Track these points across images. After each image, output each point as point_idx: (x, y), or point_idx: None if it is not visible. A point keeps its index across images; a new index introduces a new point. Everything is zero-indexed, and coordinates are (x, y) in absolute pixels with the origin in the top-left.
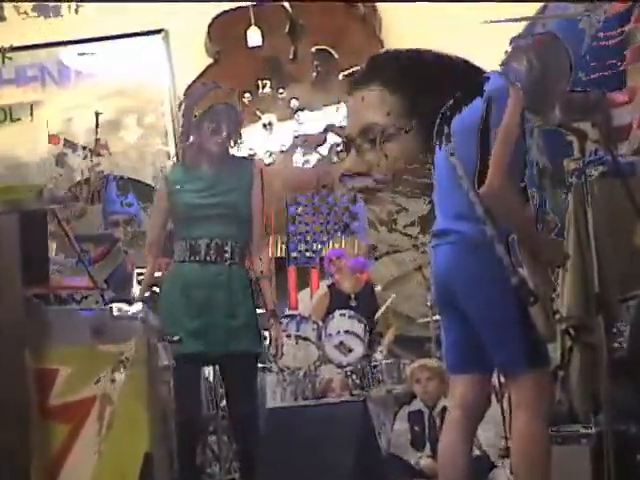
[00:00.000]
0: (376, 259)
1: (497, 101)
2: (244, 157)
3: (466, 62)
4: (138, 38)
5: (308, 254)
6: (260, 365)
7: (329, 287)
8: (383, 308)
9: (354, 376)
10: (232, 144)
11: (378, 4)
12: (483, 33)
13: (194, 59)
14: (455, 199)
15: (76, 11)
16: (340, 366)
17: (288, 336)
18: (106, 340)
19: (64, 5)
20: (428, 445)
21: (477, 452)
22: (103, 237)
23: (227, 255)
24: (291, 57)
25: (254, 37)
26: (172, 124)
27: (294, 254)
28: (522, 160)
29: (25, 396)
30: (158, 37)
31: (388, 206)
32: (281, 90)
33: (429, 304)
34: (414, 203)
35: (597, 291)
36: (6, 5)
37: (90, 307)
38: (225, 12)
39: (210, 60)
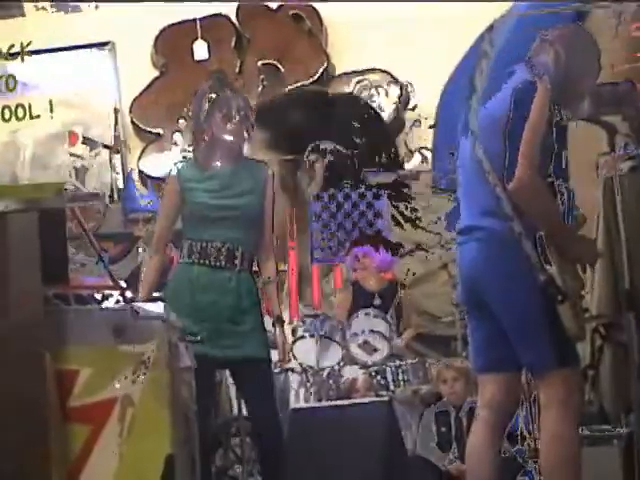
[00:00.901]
0: (401, 257)
1: (524, 95)
2: (258, 160)
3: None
4: (85, 50)
5: (331, 252)
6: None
7: (352, 285)
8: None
9: (379, 376)
10: (246, 134)
11: (324, 18)
12: (427, 47)
13: (141, 71)
14: (481, 195)
15: (96, 7)
16: (365, 366)
17: (312, 336)
18: (127, 340)
19: None
20: (455, 446)
21: (505, 453)
22: (123, 236)
23: (237, 261)
24: (237, 71)
25: (200, 50)
26: (117, 136)
27: (317, 252)
28: (550, 155)
29: (45, 397)
30: (105, 49)
31: (412, 203)
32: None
33: (455, 302)
34: (439, 199)
35: (628, 288)
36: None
37: (111, 307)
38: (172, 25)
39: (156, 73)
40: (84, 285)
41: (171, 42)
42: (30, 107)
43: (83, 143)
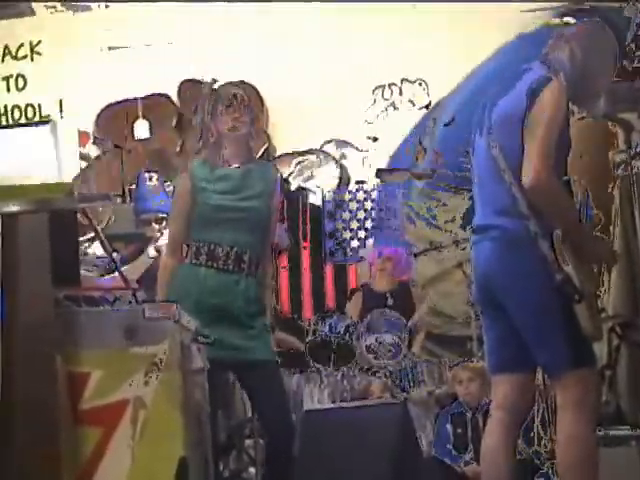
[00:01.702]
0: (415, 256)
1: (540, 92)
2: (267, 161)
3: None
4: (25, 129)
5: (345, 251)
6: (297, 367)
7: (362, 286)
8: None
9: (393, 377)
10: (250, 125)
11: (265, 99)
12: (365, 131)
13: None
14: (496, 193)
15: (106, 6)
16: (379, 367)
17: (326, 336)
18: (139, 342)
19: None
20: (471, 447)
21: (521, 455)
22: (134, 236)
23: (245, 265)
24: (178, 150)
25: (141, 130)
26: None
27: (331, 251)
28: (566, 153)
29: (55, 398)
30: (46, 127)
31: (427, 201)
32: (168, 183)
33: (470, 302)
34: (454, 198)
35: None
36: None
37: (122, 308)
38: (113, 104)
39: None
40: (95, 287)
41: (113, 121)
42: (40, 107)
43: (94, 143)
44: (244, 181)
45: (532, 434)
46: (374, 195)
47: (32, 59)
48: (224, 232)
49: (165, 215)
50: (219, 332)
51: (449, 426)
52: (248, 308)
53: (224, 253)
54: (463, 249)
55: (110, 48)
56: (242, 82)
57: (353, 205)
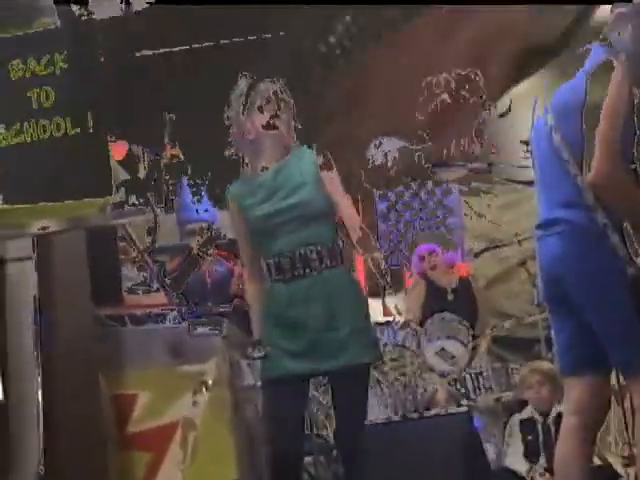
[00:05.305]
0: (475, 256)
1: (600, 77)
2: (302, 146)
3: None
4: None
5: (401, 255)
6: None
7: (424, 279)
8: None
9: (458, 385)
10: (288, 125)
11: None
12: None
13: None
14: (561, 186)
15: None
16: (443, 375)
17: (384, 345)
18: (186, 360)
19: None
20: (543, 456)
21: (598, 462)
22: (179, 248)
23: (316, 263)
24: None
25: None
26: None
27: (385, 254)
28: (632, 139)
29: (102, 424)
30: None
31: (486, 197)
32: None
33: (536, 302)
34: (514, 193)
35: None
36: None
37: (167, 325)
38: None
39: None
40: (139, 304)
41: None
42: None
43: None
44: (276, 180)
45: (609, 439)
46: (430, 193)
47: (58, 72)
48: (281, 240)
49: (210, 224)
50: (308, 342)
51: (519, 434)
52: (331, 307)
53: (288, 261)
54: (526, 246)
55: (135, 53)
56: (279, 80)
57: (408, 205)
